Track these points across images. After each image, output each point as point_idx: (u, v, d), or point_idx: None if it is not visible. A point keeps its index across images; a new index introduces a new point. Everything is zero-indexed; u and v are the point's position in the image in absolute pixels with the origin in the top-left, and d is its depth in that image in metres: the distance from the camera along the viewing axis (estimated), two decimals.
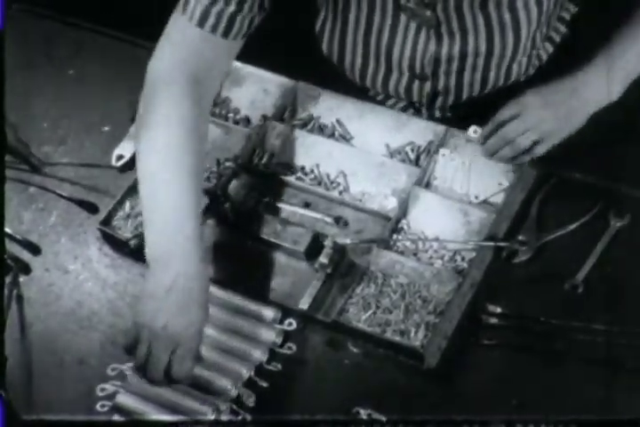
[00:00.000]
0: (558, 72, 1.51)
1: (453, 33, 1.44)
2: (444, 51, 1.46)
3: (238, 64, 1.59)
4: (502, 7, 1.40)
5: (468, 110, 1.56)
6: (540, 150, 1.44)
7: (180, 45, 1.38)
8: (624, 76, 1.44)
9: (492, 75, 1.53)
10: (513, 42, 1.46)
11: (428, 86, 1.55)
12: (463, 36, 1.44)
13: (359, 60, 1.53)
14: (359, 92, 1.67)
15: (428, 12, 1.40)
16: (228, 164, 1.52)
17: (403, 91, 1.57)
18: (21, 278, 1.45)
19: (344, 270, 1.42)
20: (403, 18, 1.43)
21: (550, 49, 1.58)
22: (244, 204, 1.48)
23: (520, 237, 1.43)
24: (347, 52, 1.52)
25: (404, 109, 1.61)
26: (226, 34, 1.37)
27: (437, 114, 1.60)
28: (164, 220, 1.29)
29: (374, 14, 1.45)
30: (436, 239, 1.43)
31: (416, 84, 1.55)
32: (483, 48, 1.46)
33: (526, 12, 1.42)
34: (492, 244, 1.39)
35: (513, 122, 1.43)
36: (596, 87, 1.43)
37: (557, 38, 1.58)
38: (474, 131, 1.47)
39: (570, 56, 1.56)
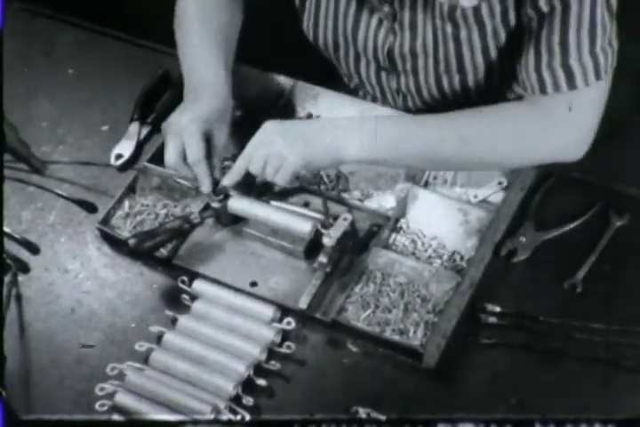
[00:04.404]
0: None
1: (404, 30, 1.45)
2: (397, 46, 1.47)
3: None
4: (444, 17, 1.41)
5: None
6: (281, 177, 1.41)
7: None
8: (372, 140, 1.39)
9: (445, 80, 1.51)
10: (455, 55, 1.45)
11: (393, 81, 1.56)
12: (413, 35, 1.45)
13: (330, 41, 1.54)
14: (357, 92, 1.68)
15: (387, 7, 1.42)
16: (227, 163, 1.52)
17: (374, 78, 1.58)
18: (20, 278, 1.44)
19: (343, 270, 1.42)
20: (365, 8, 1.46)
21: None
22: None
23: (519, 237, 1.43)
24: (319, 33, 1.53)
25: None
26: None
27: None
28: (195, 59, 1.51)
29: (340, 1, 1.48)
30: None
31: (383, 74, 1.56)
32: (430, 50, 1.45)
33: (467, 30, 1.40)
34: None
35: (254, 157, 1.42)
36: (348, 132, 1.40)
37: None
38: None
39: None
